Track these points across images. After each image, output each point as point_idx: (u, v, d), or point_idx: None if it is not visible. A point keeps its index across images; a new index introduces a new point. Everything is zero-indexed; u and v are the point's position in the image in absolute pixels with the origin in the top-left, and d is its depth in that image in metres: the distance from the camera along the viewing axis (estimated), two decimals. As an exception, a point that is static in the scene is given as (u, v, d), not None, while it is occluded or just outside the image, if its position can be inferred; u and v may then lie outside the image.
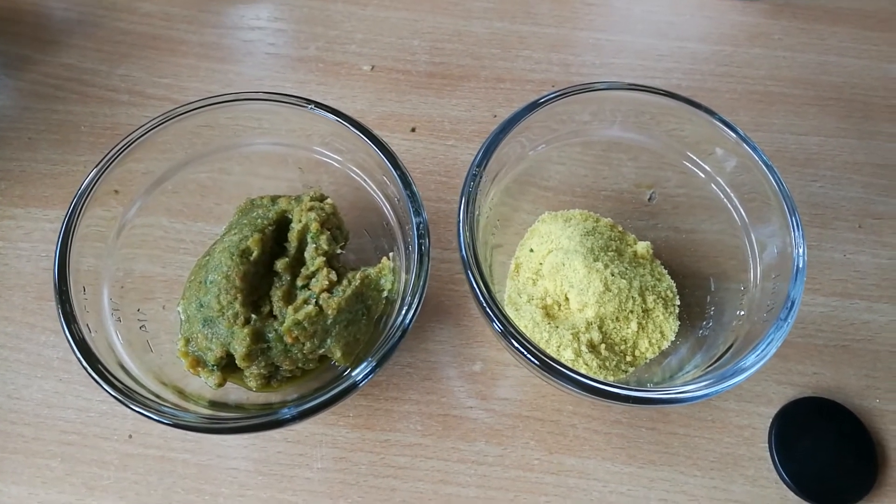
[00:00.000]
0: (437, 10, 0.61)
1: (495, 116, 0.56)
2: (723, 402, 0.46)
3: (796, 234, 0.37)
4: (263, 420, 0.35)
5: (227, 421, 0.35)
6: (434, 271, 0.50)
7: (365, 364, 0.36)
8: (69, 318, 0.37)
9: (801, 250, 0.37)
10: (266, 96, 0.42)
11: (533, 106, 0.41)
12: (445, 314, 0.49)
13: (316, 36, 0.60)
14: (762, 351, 0.35)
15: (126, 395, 0.35)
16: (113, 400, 0.36)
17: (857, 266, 0.51)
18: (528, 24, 0.61)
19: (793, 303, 0.36)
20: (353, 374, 0.36)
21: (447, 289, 0.50)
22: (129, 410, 0.35)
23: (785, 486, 0.44)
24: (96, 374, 0.36)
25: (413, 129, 0.56)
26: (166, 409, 0.36)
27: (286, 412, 0.35)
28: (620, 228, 0.49)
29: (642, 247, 0.47)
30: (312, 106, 0.42)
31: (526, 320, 0.43)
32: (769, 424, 0.46)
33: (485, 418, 0.46)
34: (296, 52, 0.59)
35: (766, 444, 0.45)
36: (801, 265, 0.37)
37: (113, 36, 0.59)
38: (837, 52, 0.62)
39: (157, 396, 0.37)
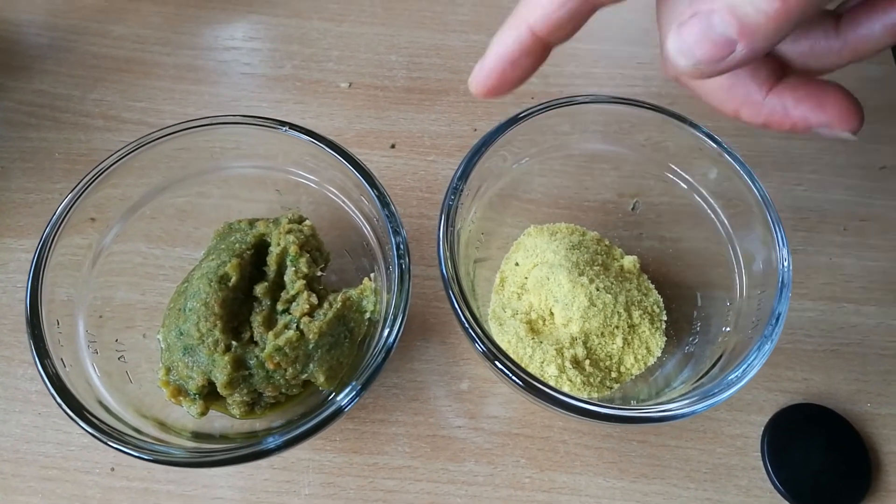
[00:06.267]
0: (413, 25, 0.61)
1: (475, 130, 0.56)
2: (714, 413, 0.46)
3: (781, 247, 0.37)
4: (248, 451, 0.34)
5: (209, 454, 0.34)
6: (419, 289, 0.49)
7: (349, 388, 0.35)
8: (42, 353, 0.36)
9: (786, 264, 0.36)
10: (240, 119, 0.42)
11: (514, 120, 0.41)
12: (431, 332, 0.48)
13: (292, 54, 0.59)
14: (748, 366, 0.34)
15: (104, 432, 0.34)
16: (93, 433, 0.35)
17: (844, 269, 0.51)
18: (505, 35, 0.61)
19: (777, 318, 0.35)
20: (338, 398, 0.35)
21: (432, 306, 0.49)
22: (108, 445, 0.35)
23: (779, 494, 0.43)
24: (72, 410, 0.35)
25: (393, 146, 0.55)
26: (147, 444, 0.35)
27: (271, 441, 0.34)
28: (607, 242, 0.48)
29: (629, 261, 0.46)
30: (286, 128, 0.41)
31: (510, 335, 0.42)
32: (761, 433, 0.45)
33: (473, 438, 0.45)
34: (272, 72, 0.58)
35: (759, 453, 0.45)
36: (786, 280, 0.36)
37: (85, 60, 0.58)
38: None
39: (138, 431, 0.36)
